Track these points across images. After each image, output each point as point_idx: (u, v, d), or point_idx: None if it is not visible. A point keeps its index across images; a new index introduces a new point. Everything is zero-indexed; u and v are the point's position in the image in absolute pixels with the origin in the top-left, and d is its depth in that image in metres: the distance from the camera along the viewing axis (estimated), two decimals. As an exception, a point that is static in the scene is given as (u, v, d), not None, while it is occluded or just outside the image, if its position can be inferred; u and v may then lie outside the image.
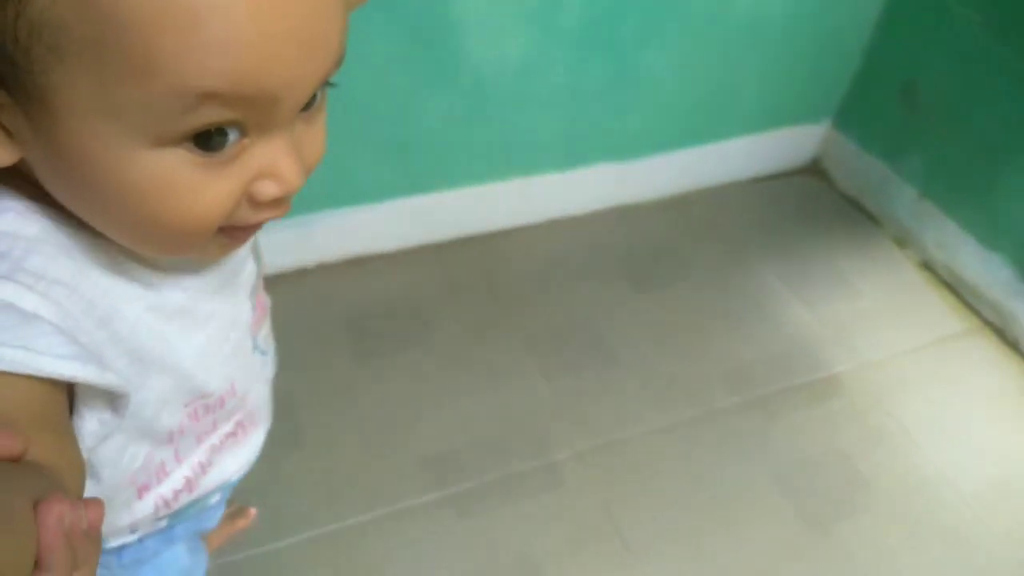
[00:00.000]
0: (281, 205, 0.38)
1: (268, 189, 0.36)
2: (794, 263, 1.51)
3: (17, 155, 0.35)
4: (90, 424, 0.39)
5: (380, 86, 1.20)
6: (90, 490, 0.45)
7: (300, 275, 1.36)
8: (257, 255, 0.53)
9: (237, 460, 0.57)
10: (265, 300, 0.56)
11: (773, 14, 1.41)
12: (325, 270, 1.38)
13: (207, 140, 0.33)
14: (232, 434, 0.55)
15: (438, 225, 1.43)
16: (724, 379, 1.30)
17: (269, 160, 0.35)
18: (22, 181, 0.37)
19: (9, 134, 0.34)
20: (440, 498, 1.09)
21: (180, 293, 0.44)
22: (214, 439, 0.53)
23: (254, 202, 0.37)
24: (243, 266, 0.50)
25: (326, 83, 0.37)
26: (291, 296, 1.29)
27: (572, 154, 1.45)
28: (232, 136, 0.34)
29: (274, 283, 0.61)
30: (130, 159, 0.33)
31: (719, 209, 1.62)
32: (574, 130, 1.41)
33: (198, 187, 0.34)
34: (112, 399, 0.39)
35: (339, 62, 0.36)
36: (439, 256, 1.44)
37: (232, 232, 0.39)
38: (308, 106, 0.37)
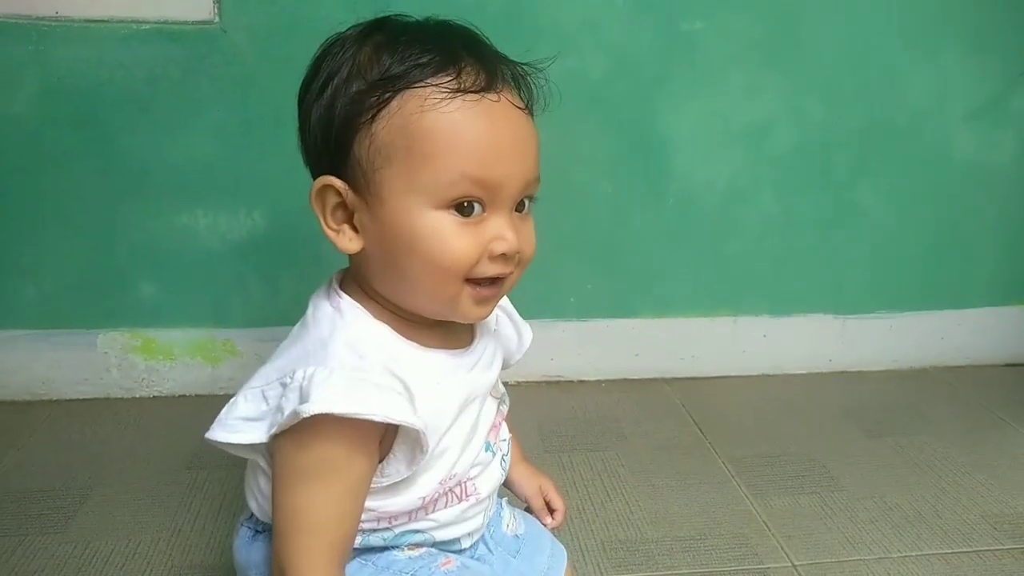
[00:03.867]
0: (508, 263, 0.57)
1: (498, 246, 0.56)
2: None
3: (361, 244, 0.57)
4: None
5: (589, 194, 1.28)
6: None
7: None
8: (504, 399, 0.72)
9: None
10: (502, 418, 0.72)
11: (1000, 162, 1.36)
12: (523, 388, 1.35)
13: (462, 208, 0.55)
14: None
15: (640, 355, 1.38)
16: (990, 524, 1.03)
17: (498, 229, 0.56)
18: (350, 283, 0.61)
19: (356, 230, 0.56)
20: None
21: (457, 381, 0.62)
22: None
23: (490, 256, 0.56)
24: (488, 375, 0.66)
25: (530, 197, 0.59)
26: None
27: (784, 296, 1.39)
28: (477, 209, 0.55)
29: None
30: (421, 215, 0.55)
31: (965, 387, 1.41)
32: (785, 267, 1.37)
33: (457, 236, 0.55)
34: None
35: (536, 180, 0.58)
36: (640, 388, 1.37)
37: (477, 287, 0.57)
38: (520, 209, 0.58)
